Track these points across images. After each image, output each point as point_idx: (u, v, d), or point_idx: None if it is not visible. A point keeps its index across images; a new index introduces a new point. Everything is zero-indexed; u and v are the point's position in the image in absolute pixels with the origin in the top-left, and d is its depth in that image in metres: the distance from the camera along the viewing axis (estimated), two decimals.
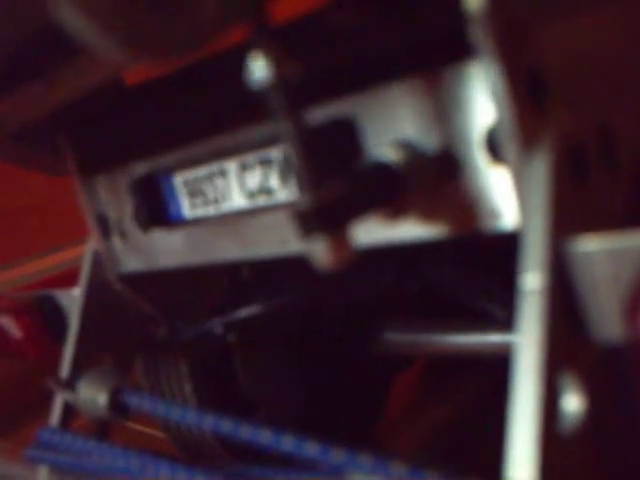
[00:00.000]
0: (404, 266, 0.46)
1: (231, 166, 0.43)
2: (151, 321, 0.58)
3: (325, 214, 0.29)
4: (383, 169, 0.32)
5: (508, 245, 0.31)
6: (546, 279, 0.28)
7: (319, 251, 0.29)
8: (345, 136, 0.35)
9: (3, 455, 0.67)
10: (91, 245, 0.56)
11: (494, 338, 0.48)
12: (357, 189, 0.31)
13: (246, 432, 0.37)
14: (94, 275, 0.57)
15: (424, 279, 0.46)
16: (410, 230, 0.34)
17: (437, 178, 0.32)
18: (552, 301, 0.28)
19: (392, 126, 0.34)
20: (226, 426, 0.39)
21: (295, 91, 0.28)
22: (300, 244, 0.34)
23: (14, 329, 0.62)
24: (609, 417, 0.29)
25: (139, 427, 0.67)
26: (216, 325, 0.55)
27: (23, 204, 1.04)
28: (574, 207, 0.30)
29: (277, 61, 0.28)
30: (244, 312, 0.54)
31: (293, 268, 0.43)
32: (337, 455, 0.32)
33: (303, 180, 0.29)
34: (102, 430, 0.54)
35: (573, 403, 0.28)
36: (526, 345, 0.28)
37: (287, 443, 0.35)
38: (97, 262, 0.56)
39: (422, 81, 0.32)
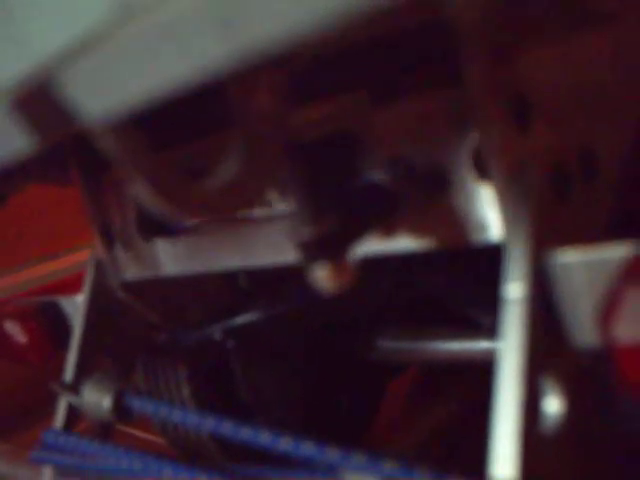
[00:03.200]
0: (398, 275, 0.47)
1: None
2: (152, 327, 0.60)
3: (326, 243, 0.31)
4: (378, 191, 0.34)
5: (495, 255, 0.33)
6: (528, 289, 0.30)
7: (322, 277, 0.31)
8: (342, 154, 0.36)
9: (6, 457, 0.68)
10: (94, 253, 0.58)
11: (482, 345, 0.49)
12: (355, 215, 0.33)
13: (246, 433, 0.39)
14: (97, 282, 0.58)
15: (416, 288, 0.48)
16: (403, 242, 0.36)
17: (428, 194, 0.34)
18: (533, 309, 0.30)
19: (387, 145, 0.35)
20: (226, 428, 0.40)
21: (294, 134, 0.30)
22: (297, 255, 0.36)
23: (19, 334, 0.64)
24: (588, 418, 0.31)
25: (138, 432, 0.68)
26: (216, 331, 0.57)
27: (32, 208, 1.05)
28: (555, 222, 0.32)
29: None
30: (243, 318, 0.56)
31: (290, 277, 0.45)
32: (332, 454, 0.34)
33: (304, 212, 0.31)
34: (104, 433, 0.56)
35: (553, 405, 0.30)
36: (509, 351, 0.30)
37: (285, 443, 0.37)
38: (99, 269, 0.58)
39: (416, 103, 0.34)
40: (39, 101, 0.24)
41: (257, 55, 0.19)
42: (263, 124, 0.28)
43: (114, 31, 0.21)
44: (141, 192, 0.26)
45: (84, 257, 0.60)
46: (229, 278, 0.60)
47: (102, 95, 0.23)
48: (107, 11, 0.21)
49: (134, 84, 0.22)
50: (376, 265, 0.38)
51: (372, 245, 0.36)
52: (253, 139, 0.27)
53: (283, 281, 0.55)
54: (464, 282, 0.45)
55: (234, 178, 0.28)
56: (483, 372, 0.42)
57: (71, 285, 0.63)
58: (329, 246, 0.31)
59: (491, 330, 0.46)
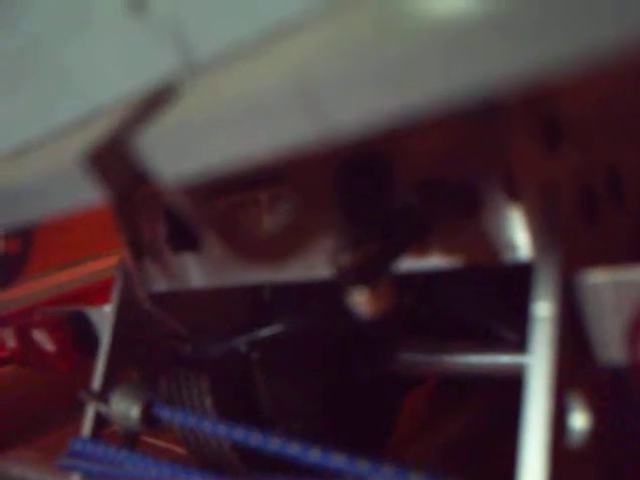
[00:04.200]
0: (422, 290, 0.48)
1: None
2: (178, 338, 0.61)
3: (365, 268, 0.32)
4: (412, 212, 0.35)
5: (521, 273, 0.34)
6: (556, 308, 0.31)
7: (362, 302, 0.32)
8: (375, 177, 0.37)
9: (33, 464, 0.69)
10: (122, 264, 0.59)
11: (504, 359, 0.50)
12: (391, 238, 0.34)
13: (275, 444, 0.40)
14: (125, 293, 0.59)
15: (441, 303, 0.49)
16: (434, 260, 0.37)
17: (459, 214, 0.35)
18: (561, 328, 0.31)
19: (418, 167, 0.36)
20: (256, 438, 0.41)
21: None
22: (326, 270, 0.37)
23: (48, 343, 0.65)
24: (613, 433, 0.32)
25: (159, 442, 0.69)
26: (240, 343, 0.58)
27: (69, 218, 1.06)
28: (584, 242, 0.33)
29: None
30: (267, 331, 0.57)
31: (314, 291, 0.46)
32: (362, 465, 0.35)
33: (342, 237, 0.32)
34: (131, 441, 0.57)
35: (580, 420, 0.31)
36: (538, 367, 0.31)
37: (314, 455, 0.37)
38: (128, 280, 0.59)
39: (447, 124, 0.35)
40: (113, 158, 0.25)
41: (344, 135, 0.18)
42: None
43: (186, 91, 0.21)
44: (206, 243, 0.27)
45: (105, 264, 0.61)
46: (254, 291, 0.61)
47: (176, 159, 0.23)
48: (171, 69, 0.21)
49: (208, 151, 0.22)
50: (402, 280, 0.39)
51: (404, 263, 0.37)
52: (306, 167, 0.28)
53: (307, 295, 0.56)
54: (491, 298, 0.46)
55: (293, 211, 0.28)
56: (506, 384, 0.42)
57: (95, 294, 0.64)
58: (368, 271, 0.32)
59: (516, 346, 0.46)
